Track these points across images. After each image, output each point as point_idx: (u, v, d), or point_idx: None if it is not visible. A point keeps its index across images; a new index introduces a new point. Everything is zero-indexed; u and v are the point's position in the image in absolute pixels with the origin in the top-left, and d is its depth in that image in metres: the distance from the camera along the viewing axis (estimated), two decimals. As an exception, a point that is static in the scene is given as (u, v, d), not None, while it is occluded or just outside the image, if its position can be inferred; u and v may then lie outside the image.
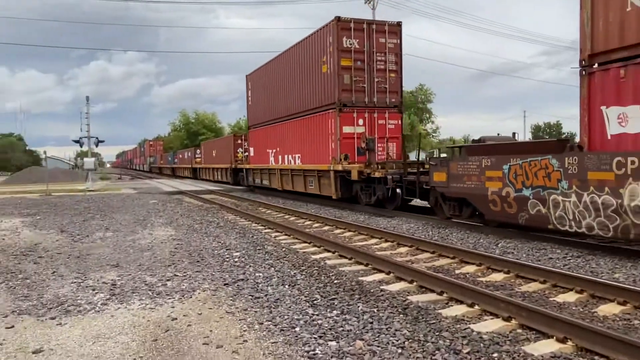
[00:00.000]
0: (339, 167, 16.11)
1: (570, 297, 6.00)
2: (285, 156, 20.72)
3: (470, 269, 7.63)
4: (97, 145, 34.10)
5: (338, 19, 15.95)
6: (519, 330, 4.86)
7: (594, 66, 8.46)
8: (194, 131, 74.14)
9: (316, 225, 12.95)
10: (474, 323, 5.08)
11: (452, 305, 5.71)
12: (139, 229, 12.10)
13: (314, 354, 4.26)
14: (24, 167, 68.20)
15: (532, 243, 9.46)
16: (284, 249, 9.20)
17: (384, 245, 9.85)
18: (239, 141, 30.67)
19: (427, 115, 55.65)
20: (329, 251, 9.06)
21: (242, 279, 6.87)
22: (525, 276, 6.96)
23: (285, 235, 11.17)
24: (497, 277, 7.09)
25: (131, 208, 17.59)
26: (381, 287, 6.48)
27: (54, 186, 31.75)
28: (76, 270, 7.66)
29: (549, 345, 4.44)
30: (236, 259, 8.27)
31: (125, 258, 8.54)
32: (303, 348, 4.39)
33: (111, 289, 6.43)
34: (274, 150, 22.02)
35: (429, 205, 13.44)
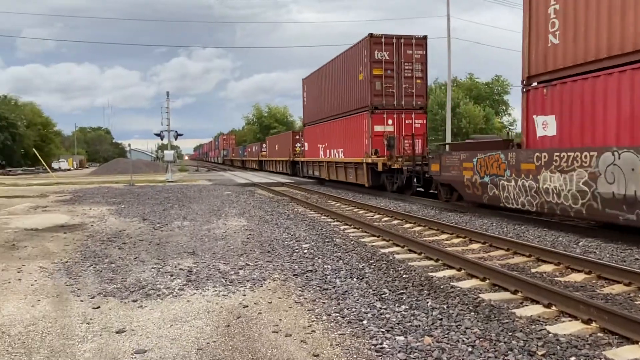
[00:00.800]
0: (369, 160, 19.17)
1: (660, 301, 5.58)
2: (332, 150, 23.85)
3: (547, 268, 7.28)
4: (176, 139, 35.62)
5: (371, 35, 18.95)
6: (600, 334, 4.58)
7: (531, 85, 11.23)
8: (267, 124, 75.97)
9: (385, 218, 12.87)
10: (550, 324, 4.85)
11: (527, 305, 5.48)
12: (214, 219, 12.57)
13: (381, 348, 4.24)
14: (111, 159, 72.96)
15: (617, 243, 8.87)
16: (352, 242, 9.22)
17: (455, 241, 9.61)
18: (297, 137, 33.93)
19: (504, 108, 53.56)
20: (397, 245, 8.97)
21: (311, 270, 6.96)
22: (608, 277, 6.54)
23: (354, 228, 11.18)
24: (577, 277, 6.72)
25: (207, 199, 18.31)
26: (451, 283, 6.34)
27: (137, 177, 33.63)
28: (156, 256, 8.09)
29: (633, 352, 4.15)
30: (305, 251, 8.39)
31: (200, 246, 8.91)
32: (370, 341, 4.38)
33: (187, 276, 6.73)
34: (323, 145, 25.21)
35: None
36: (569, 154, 9.68)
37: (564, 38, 10.19)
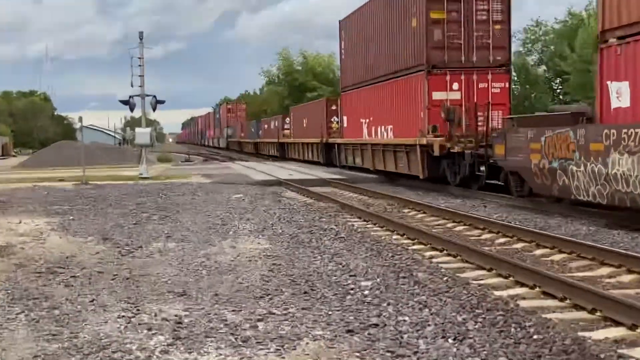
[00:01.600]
0: (424, 141, 21.17)
1: None
2: (378, 127, 26.11)
3: None
4: (154, 109, 36.24)
5: None
6: None
7: (606, 42, 13.16)
8: (301, 84, 76.01)
9: (501, 239, 12.72)
10: None
11: None
12: (216, 239, 12.72)
13: None
14: (51, 142, 74.99)
15: None
16: (445, 278, 9.16)
17: (626, 278, 9.38)
18: (334, 107, 35.14)
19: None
20: (524, 285, 8.86)
21: (376, 324, 6.94)
22: None
23: (449, 255, 11.12)
24: None
25: (204, 206, 18.58)
26: (619, 350, 6.16)
27: (92, 171, 34.47)
28: (125, 298, 8.23)
29: None
30: (366, 292, 8.39)
31: (195, 283, 9.02)
32: None
33: (175, 330, 6.81)
34: (367, 120, 26.96)
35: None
36: (637, 130, 11.49)
37: None
